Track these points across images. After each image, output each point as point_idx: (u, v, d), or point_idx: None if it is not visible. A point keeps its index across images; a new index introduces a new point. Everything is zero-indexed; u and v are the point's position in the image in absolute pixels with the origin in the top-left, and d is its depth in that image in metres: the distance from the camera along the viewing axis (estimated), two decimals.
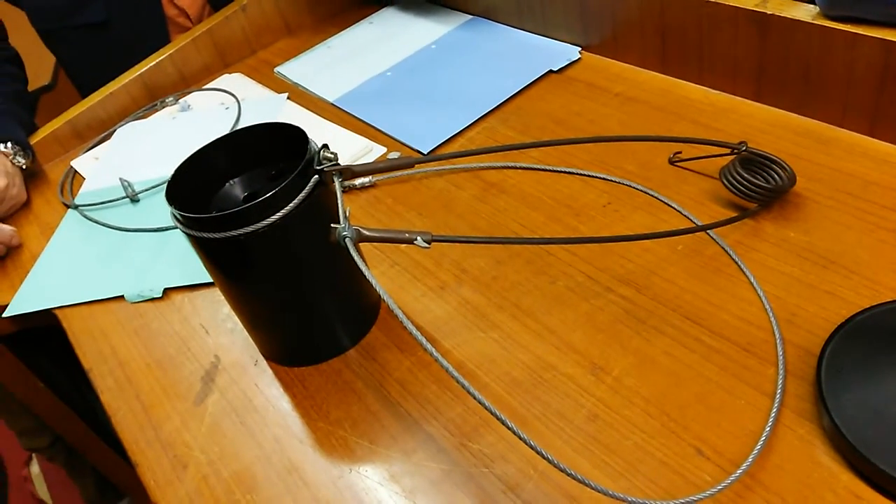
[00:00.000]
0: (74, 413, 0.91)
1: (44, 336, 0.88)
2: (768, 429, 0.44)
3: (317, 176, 0.50)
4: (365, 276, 0.59)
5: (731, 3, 0.66)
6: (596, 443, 0.47)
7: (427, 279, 0.62)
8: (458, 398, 0.52)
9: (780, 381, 0.46)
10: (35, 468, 1.91)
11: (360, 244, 0.50)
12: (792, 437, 0.44)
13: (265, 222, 0.48)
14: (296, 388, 0.57)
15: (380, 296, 0.61)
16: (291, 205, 0.48)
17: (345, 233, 0.45)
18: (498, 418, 0.38)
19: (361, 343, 0.59)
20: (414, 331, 0.40)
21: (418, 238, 0.47)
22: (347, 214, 0.46)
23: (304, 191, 0.49)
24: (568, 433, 0.48)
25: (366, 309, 0.60)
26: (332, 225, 0.46)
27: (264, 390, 0.57)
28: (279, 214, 0.48)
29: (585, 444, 0.47)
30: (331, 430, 0.53)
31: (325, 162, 0.51)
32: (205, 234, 0.49)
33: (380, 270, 0.65)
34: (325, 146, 0.51)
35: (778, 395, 0.46)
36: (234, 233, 0.48)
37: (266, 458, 0.52)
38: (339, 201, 0.48)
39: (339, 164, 0.50)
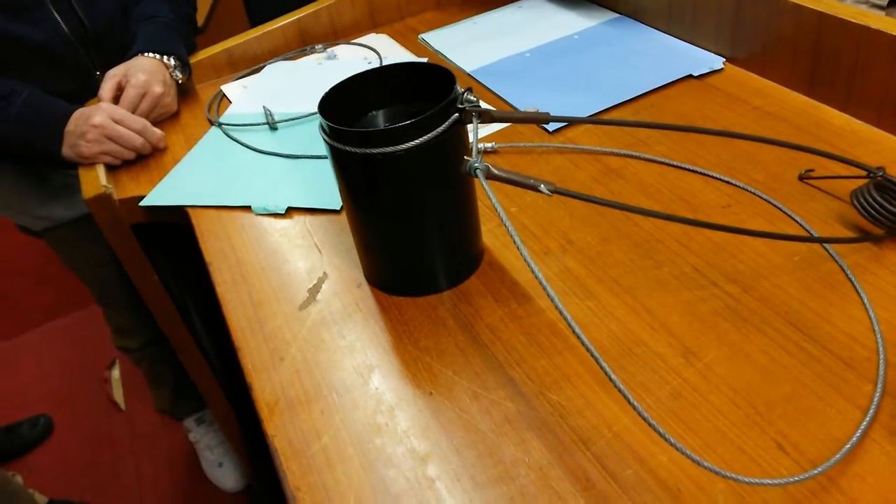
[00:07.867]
0: (178, 314, 0.98)
1: (164, 237, 0.95)
2: (855, 438, 0.43)
3: (457, 115, 0.53)
4: (477, 224, 0.62)
5: (893, 32, 0.65)
6: (675, 418, 0.47)
7: (532, 243, 0.64)
8: (543, 352, 0.54)
9: (876, 398, 0.45)
10: (116, 372, 2.04)
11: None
12: (878, 452, 0.43)
13: (403, 146, 0.51)
14: (392, 313, 0.60)
15: (483, 248, 0.64)
16: (430, 135, 0.51)
17: (476, 164, 0.48)
18: (596, 360, 0.40)
19: (459, 287, 0.61)
20: (540, 276, 0.42)
21: (542, 185, 0.49)
22: (482, 150, 0.49)
23: (445, 124, 0.52)
24: (648, 403, 0.49)
25: (470, 256, 0.62)
26: (465, 157, 0.49)
27: (363, 309, 0.61)
28: (416, 141, 0.51)
29: (664, 417, 0.48)
30: (418, 356, 0.56)
31: (466, 104, 0.53)
32: (346, 148, 0.52)
33: (488, 228, 0.67)
34: (469, 89, 0.54)
35: (871, 411, 0.45)
36: (372, 150, 0.51)
37: (356, 366, 0.56)
38: (475, 138, 0.51)
39: (479, 107, 0.53)
